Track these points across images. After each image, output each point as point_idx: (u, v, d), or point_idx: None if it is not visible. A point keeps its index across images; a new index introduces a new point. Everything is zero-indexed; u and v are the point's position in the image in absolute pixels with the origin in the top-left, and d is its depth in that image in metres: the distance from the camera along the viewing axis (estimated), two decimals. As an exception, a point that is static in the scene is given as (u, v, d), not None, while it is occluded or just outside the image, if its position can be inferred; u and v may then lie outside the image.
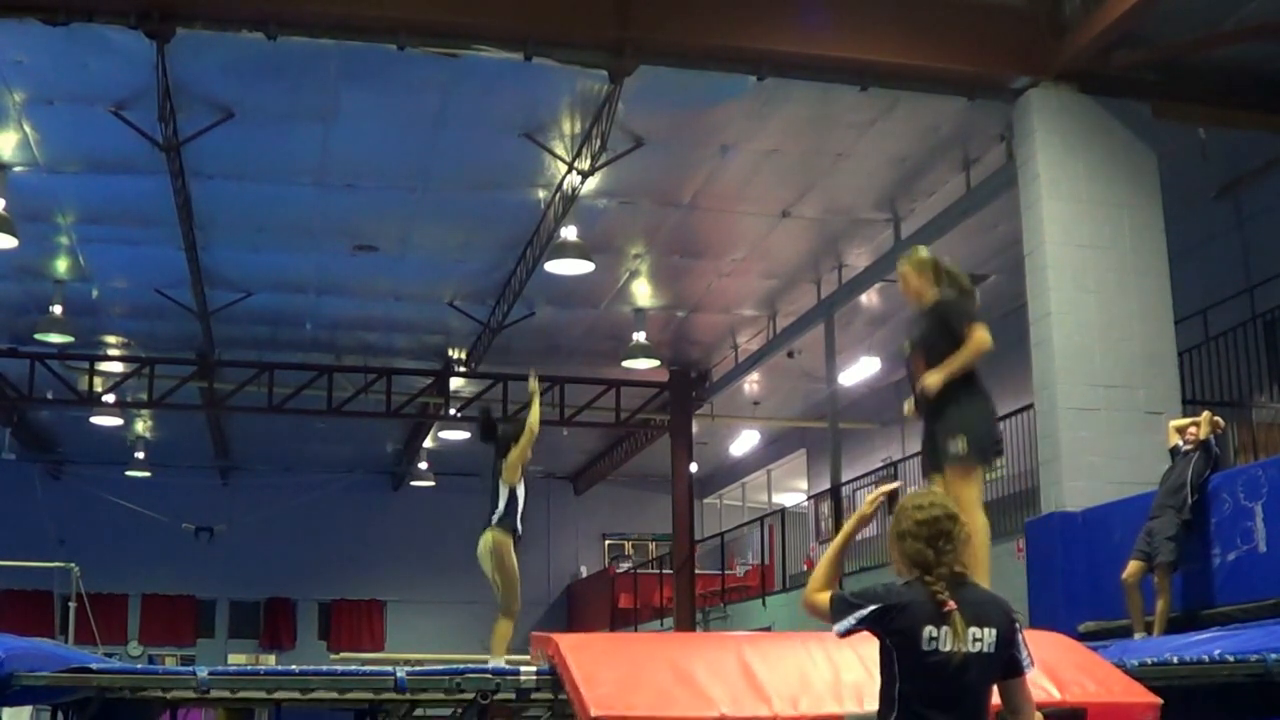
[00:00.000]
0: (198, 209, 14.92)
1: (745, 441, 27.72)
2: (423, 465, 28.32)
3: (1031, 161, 11.59)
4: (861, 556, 16.80)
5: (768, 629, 18.40)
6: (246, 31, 10.88)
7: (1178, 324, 11.77)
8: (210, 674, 6.46)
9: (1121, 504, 10.13)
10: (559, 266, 15.57)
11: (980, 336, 6.87)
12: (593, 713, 5.54)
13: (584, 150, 13.24)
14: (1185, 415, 10.13)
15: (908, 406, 7.35)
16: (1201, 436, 9.28)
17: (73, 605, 17.38)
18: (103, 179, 14.44)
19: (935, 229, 14.40)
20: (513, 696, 6.53)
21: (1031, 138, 11.61)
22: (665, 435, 23.23)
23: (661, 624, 24.32)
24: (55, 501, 27.36)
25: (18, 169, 14.10)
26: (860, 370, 20.92)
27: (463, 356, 21.28)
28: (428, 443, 26.55)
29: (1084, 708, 6.06)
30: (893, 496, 4.35)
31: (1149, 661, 6.95)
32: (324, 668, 7.16)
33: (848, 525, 4.37)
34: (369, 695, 6.69)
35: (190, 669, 6.59)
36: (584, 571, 31.46)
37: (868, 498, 4.29)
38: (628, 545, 32.12)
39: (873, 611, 4.01)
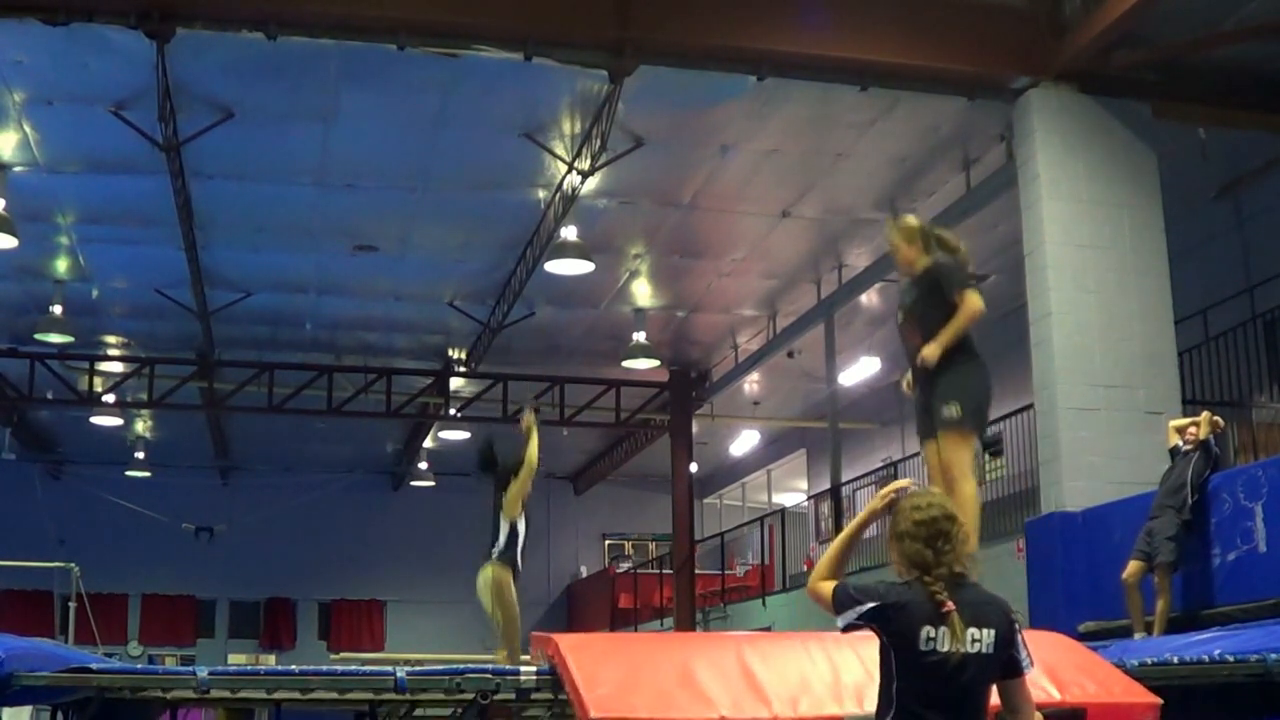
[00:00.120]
0: (198, 209, 14.92)
1: (745, 441, 27.72)
2: (423, 465, 28.33)
3: (1031, 161, 11.59)
4: (861, 556, 16.76)
5: (768, 629, 18.40)
6: (246, 31, 10.88)
7: (1178, 324, 11.77)
8: (210, 674, 6.45)
9: (1121, 504, 10.13)
10: (559, 266, 15.57)
11: (972, 301, 6.87)
12: (592, 714, 5.54)
13: (584, 150, 13.25)
14: (1185, 415, 10.12)
15: (905, 382, 7.36)
16: (1201, 436, 9.27)
17: (73, 605, 17.39)
18: (103, 179, 14.45)
19: (935, 229, 14.39)
20: (513, 696, 6.52)
21: (1031, 138, 11.61)
22: (665, 435, 23.23)
23: (661, 624, 24.32)
24: (55, 501, 27.36)
25: (18, 169, 14.11)
26: (860, 370, 20.93)
27: (463, 356, 21.29)
28: (428, 443, 26.56)
29: (1084, 708, 6.06)
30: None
31: (1149, 661, 6.95)
32: (324, 668, 7.15)
33: (859, 517, 4.37)
34: (369, 695, 6.69)
35: (190, 669, 6.58)
36: (584, 571, 31.46)
37: (880, 492, 4.29)
38: (628, 545, 32.12)
39: (871, 609, 4.01)
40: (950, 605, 3.93)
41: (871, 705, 4.20)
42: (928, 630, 3.92)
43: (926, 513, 4.10)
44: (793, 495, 26.72)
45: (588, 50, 11.41)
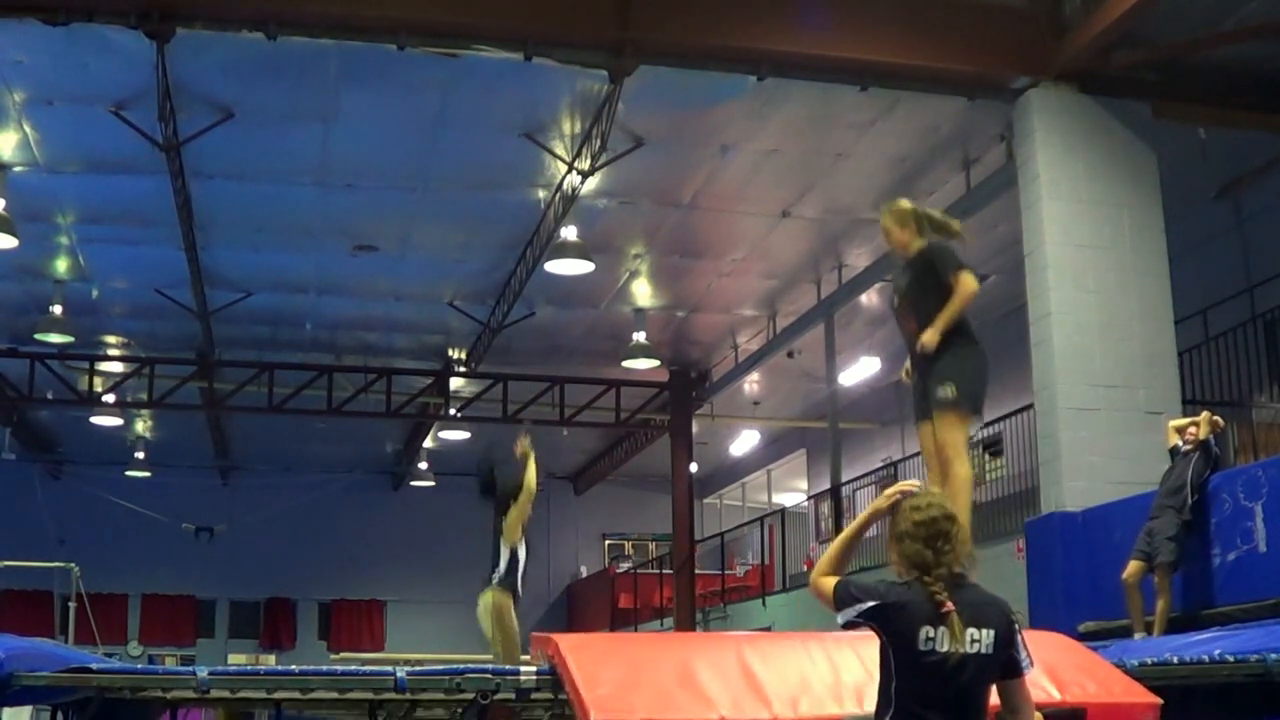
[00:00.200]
0: (198, 209, 14.92)
1: (745, 441, 27.72)
2: (423, 465, 28.32)
3: (1031, 161, 11.59)
4: (861, 556, 16.77)
5: (768, 629, 18.40)
6: (246, 31, 10.88)
7: (1178, 324, 11.77)
8: (210, 674, 6.44)
9: (1121, 504, 10.13)
10: (559, 266, 15.57)
11: (967, 282, 6.88)
12: (592, 714, 5.54)
13: (584, 150, 13.25)
14: (1185, 415, 10.12)
15: (905, 371, 7.36)
16: (1201, 436, 9.27)
17: (73, 605, 17.41)
18: (103, 179, 14.45)
19: (935, 229, 14.39)
20: (513, 696, 6.52)
21: (1031, 138, 11.61)
22: (665, 435, 23.23)
23: (661, 624, 24.32)
24: (55, 501, 27.38)
25: (18, 169, 14.11)
26: (860, 370, 20.93)
27: (463, 356, 21.29)
28: (428, 443, 26.56)
29: (1084, 708, 6.06)
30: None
31: (1149, 661, 6.95)
32: (324, 668, 7.14)
33: (862, 515, 4.37)
34: (369, 695, 6.69)
35: (190, 669, 6.57)
36: (584, 571, 31.47)
37: (886, 492, 4.29)
38: (628, 545, 32.12)
39: (871, 608, 4.02)
40: (950, 605, 3.94)
41: (871, 705, 4.21)
42: (927, 630, 3.92)
43: (926, 513, 4.10)
44: (793, 495, 26.72)
45: (588, 50, 11.42)
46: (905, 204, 7.32)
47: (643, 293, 18.48)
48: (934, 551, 4.03)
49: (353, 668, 8.32)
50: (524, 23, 11.16)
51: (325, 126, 13.34)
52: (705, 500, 28.59)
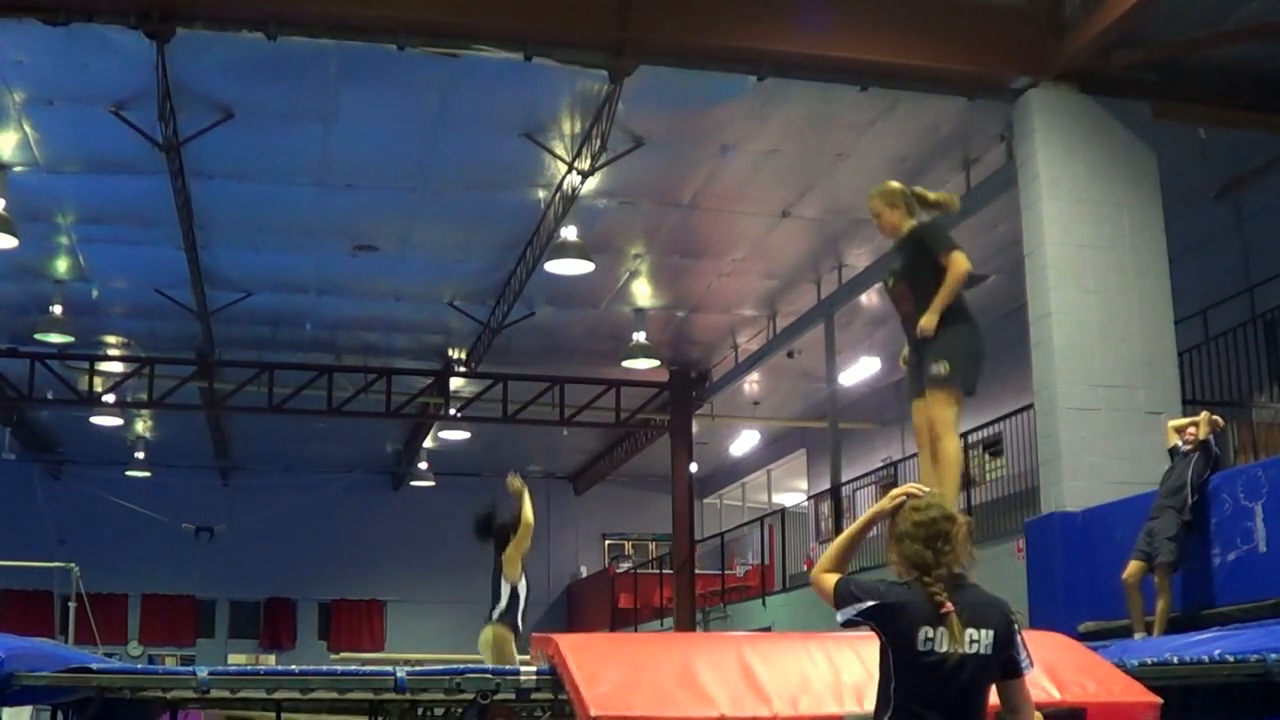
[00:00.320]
0: (198, 209, 14.92)
1: (745, 441, 27.72)
2: (423, 465, 28.33)
3: (1031, 161, 11.58)
4: (861, 556, 16.78)
5: (768, 629, 18.40)
6: (246, 31, 10.88)
7: (1178, 324, 11.77)
8: (210, 674, 6.44)
9: (1121, 504, 10.13)
10: (559, 266, 15.57)
11: (959, 261, 6.91)
12: (593, 712, 5.54)
13: (584, 150, 13.25)
14: (1185, 415, 10.12)
15: (902, 358, 7.37)
16: (1200, 437, 9.27)
17: (73, 605, 17.39)
18: (103, 179, 14.44)
19: (935, 229, 14.40)
20: (513, 696, 6.52)
21: (1031, 138, 11.61)
22: (665, 435, 23.23)
23: (661, 624, 24.32)
24: (55, 501, 27.38)
25: (18, 169, 14.11)
26: (860, 370, 20.93)
27: (463, 356, 21.29)
28: (428, 443, 26.56)
29: (1084, 708, 6.06)
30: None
31: (1149, 661, 6.95)
32: (324, 668, 7.15)
33: (865, 515, 4.38)
34: (369, 695, 6.69)
35: (190, 669, 6.57)
36: (584, 571, 31.47)
37: (891, 493, 4.29)
38: (628, 545, 32.12)
39: (871, 607, 4.03)
40: (949, 606, 3.94)
41: (871, 704, 4.21)
42: (926, 630, 3.93)
43: (926, 514, 4.11)
44: (793, 495, 26.72)
45: (588, 50, 11.41)
46: (894, 185, 7.33)
47: (643, 293, 18.47)
48: (934, 552, 4.03)
49: (353, 668, 8.33)
50: (524, 23, 11.16)
51: (325, 126, 13.34)
52: (705, 500, 28.60)
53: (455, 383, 22.39)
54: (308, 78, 12.31)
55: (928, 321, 6.87)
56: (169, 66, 11.49)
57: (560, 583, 31.25)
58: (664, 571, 25.07)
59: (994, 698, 4.13)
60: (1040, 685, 5.77)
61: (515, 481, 9.30)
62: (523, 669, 6.71)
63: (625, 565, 30.09)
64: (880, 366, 20.62)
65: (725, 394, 22.65)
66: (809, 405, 23.50)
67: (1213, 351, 12.98)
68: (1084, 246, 11.32)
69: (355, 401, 21.70)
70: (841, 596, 4.11)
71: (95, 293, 18.39)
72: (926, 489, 4.34)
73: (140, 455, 26.94)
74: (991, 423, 15.77)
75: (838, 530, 17.17)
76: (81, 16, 10.58)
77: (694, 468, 23.25)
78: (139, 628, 29.38)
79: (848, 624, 4.11)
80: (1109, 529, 10.12)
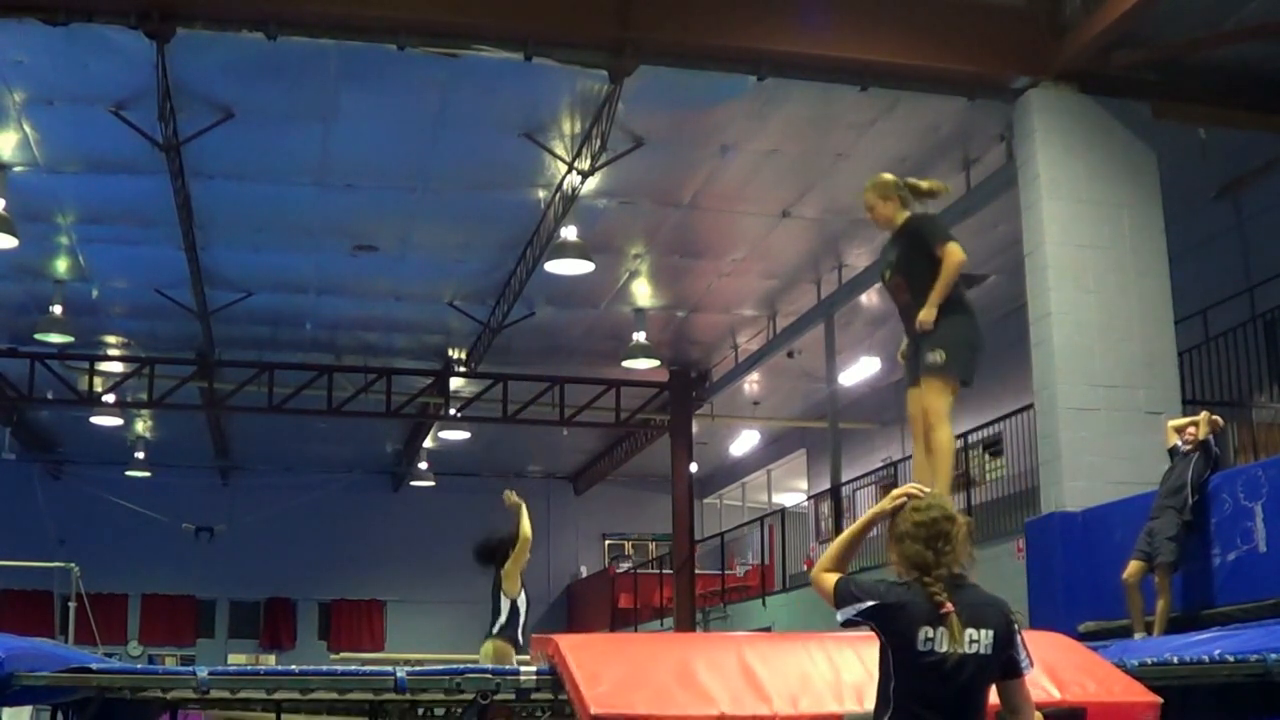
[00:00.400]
0: (198, 209, 14.92)
1: (745, 441, 27.72)
2: (423, 465, 28.33)
3: (1031, 161, 11.58)
4: (861, 556, 16.79)
5: (768, 629, 18.41)
6: (246, 31, 10.88)
7: (1178, 324, 11.77)
8: (210, 674, 6.44)
9: (1121, 504, 10.13)
10: (559, 266, 15.57)
11: (953, 252, 6.92)
12: (593, 710, 5.54)
13: (584, 150, 13.25)
14: (1185, 415, 10.12)
15: (900, 353, 7.37)
16: (1200, 436, 9.27)
17: (73, 605, 17.38)
18: (103, 179, 14.44)
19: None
20: (513, 696, 6.52)
21: (1031, 138, 11.61)
22: (665, 435, 23.23)
23: (661, 624, 24.33)
24: (55, 501, 27.38)
25: (18, 169, 14.11)
26: (860, 370, 20.93)
27: (463, 356, 21.29)
28: (428, 443, 26.56)
29: (1084, 708, 6.05)
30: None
31: (1149, 661, 6.94)
32: (324, 668, 7.14)
33: (866, 515, 4.38)
34: (369, 695, 6.69)
35: (190, 669, 6.57)
36: (584, 571, 31.47)
37: (892, 493, 4.29)
38: (628, 545, 32.12)
39: (870, 607, 4.03)
40: (949, 606, 3.94)
41: (872, 704, 4.21)
42: (926, 631, 3.93)
43: (926, 514, 4.11)
44: (793, 495, 26.72)
45: (588, 50, 11.41)
46: (887, 177, 7.35)
47: (643, 293, 18.47)
48: (934, 552, 4.03)
49: (353, 668, 8.33)
50: (524, 23, 11.16)
51: (325, 126, 13.34)
52: (705, 500, 28.60)
53: (455, 383, 22.39)
54: (308, 78, 12.30)
55: (926, 315, 6.89)
56: (169, 66, 11.49)
57: (560, 583, 31.25)
58: (664, 571, 25.07)
59: (994, 698, 4.13)
60: (1040, 685, 5.76)
61: (512, 496, 9.32)
62: (522, 669, 6.70)
63: (625, 565, 30.09)
64: (880, 366, 20.62)
65: (725, 394, 22.65)
66: (809, 405, 23.50)
67: (1213, 351, 12.98)
68: (1084, 246, 11.32)
69: (355, 401, 21.70)
70: (841, 596, 4.12)
71: (95, 293, 18.39)
72: (927, 489, 4.34)
73: (140, 455, 26.94)
74: (991, 423, 15.77)
75: (838, 530, 17.18)
76: (81, 16, 10.57)
77: (694, 468, 23.26)
78: (139, 628, 29.38)
79: (847, 624, 4.11)
80: (1109, 529, 10.12)
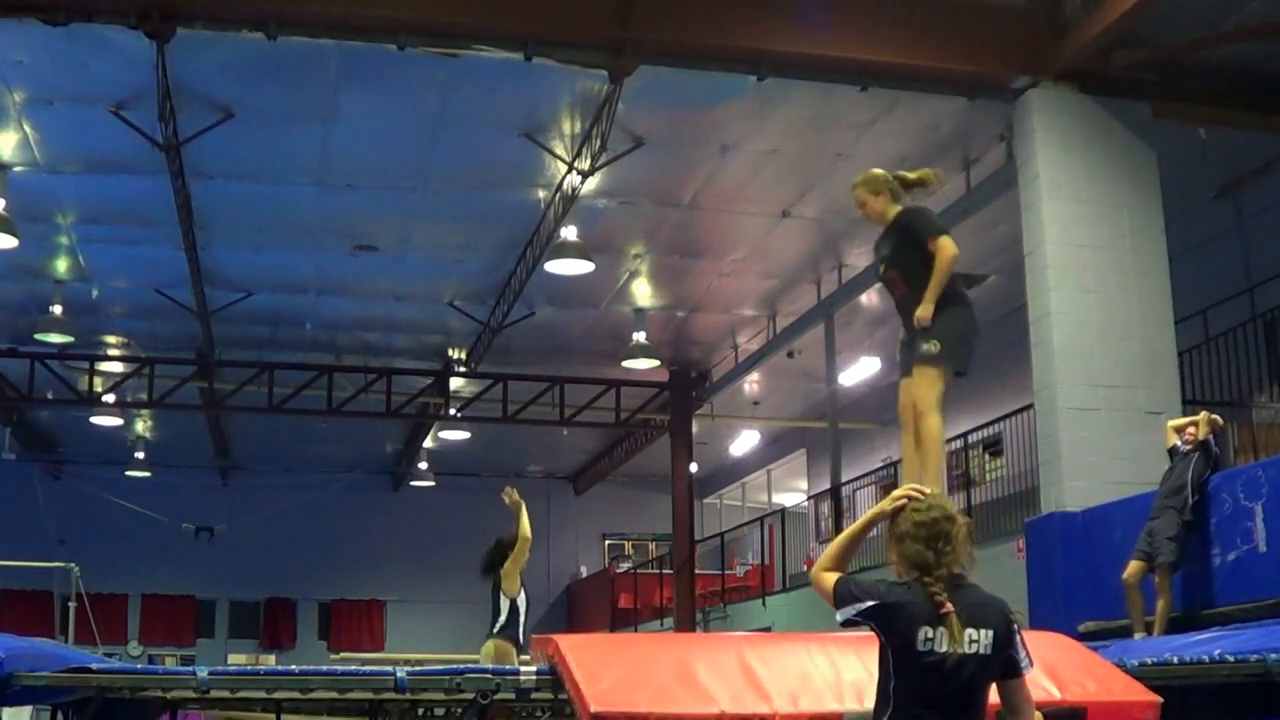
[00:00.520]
0: (198, 209, 14.92)
1: (745, 441, 27.72)
2: (423, 465, 28.33)
3: (1031, 161, 11.58)
4: (861, 556, 16.79)
5: (768, 629, 18.41)
6: (246, 31, 10.88)
7: (1178, 324, 11.77)
8: (210, 674, 6.44)
9: (1121, 504, 10.13)
10: (559, 266, 15.57)
11: (946, 246, 6.92)
12: (593, 709, 5.54)
13: (584, 150, 13.25)
14: (1185, 415, 10.12)
15: (899, 347, 7.38)
16: (1200, 436, 9.27)
17: (73, 605, 17.39)
18: (103, 179, 14.44)
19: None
20: (513, 696, 6.52)
21: (1031, 138, 11.61)
22: (665, 435, 23.23)
23: (661, 624, 24.33)
24: (55, 501, 27.38)
25: (18, 169, 14.11)
26: (860, 370, 20.94)
27: (463, 356, 21.29)
28: (428, 443, 26.56)
29: (1084, 707, 6.06)
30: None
31: (1149, 661, 6.95)
32: (324, 668, 7.15)
33: (867, 514, 4.38)
34: (369, 695, 6.69)
35: (190, 669, 6.57)
36: (584, 571, 31.47)
37: (892, 494, 4.29)
38: (628, 545, 32.12)
39: (870, 607, 4.03)
40: (949, 606, 3.94)
41: (871, 703, 4.21)
42: (925, 630, 3.93)
43: (927, 514, 4.11)
44: (793, 495, 26.72)
45: (588, 50, 11.41)
46: (876, 172, 7.32)
47: (643, 293, 18.48)
48: (934, 552, 4.03)
49: (353, 668, 8.33)
50: (524, 23, 11.16)
51: (325, 126, 13.34)
52: (705, 500, 28.60)
53: (455, 383, 22.39)
54: (308, 78, 12.31)
55: (923, 312, 6.88)
56: (169, 66, 11.49)
57: (560, 583, 31.25)
58: (664, 571, 25.07)
59: (994, 697, 4.13)
60: (1040, 685, 5.77)
61: (513, 495, 9.32)
62: (522, 669, 6.71)
63: (625, 565, 30.09)
64: (880, 366, 20.61)
65: (725, 394, 22.65)
66: (809, 405, 23.50)
67: (1213, 351, 12.98)
68: (1084, 246, 11.32)
69: (355, 401, 21.70)
70: (841, 596, 4.12)
71: (95, 293, 18.39)
72: (927, 490, 4.33)
73: (140, 455, 26.94)
74: (991, 423, 15.77)
75: (837, 530, 17.18)
76: (81, 16, 10.58)
77: (694, 468, 23.26)
78: (139, 628, 29.38)
79: (847, 623, 4.11)
80: (1109, 529, 10.12)
